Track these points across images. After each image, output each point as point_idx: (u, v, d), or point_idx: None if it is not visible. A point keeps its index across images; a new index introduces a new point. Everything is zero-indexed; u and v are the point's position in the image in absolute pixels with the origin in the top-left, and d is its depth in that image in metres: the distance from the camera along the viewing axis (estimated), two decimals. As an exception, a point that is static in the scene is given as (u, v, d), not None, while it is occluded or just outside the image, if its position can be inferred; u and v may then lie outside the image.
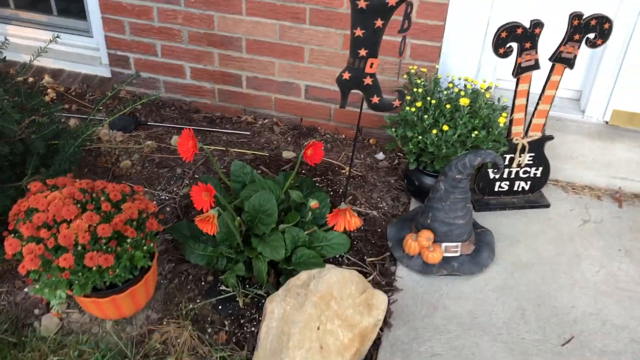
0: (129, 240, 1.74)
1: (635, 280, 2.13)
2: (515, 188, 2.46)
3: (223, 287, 2.01)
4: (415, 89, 2.32)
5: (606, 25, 2.14)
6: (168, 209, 2.36)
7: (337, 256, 2.15)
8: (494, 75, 2.63)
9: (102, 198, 1.79)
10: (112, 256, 1.68)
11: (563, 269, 2.17)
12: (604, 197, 2.52)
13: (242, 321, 1.94)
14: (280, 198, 2.10)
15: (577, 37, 2.15)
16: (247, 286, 2.03)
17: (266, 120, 2.93)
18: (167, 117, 2.92)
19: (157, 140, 2.75)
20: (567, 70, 2.23)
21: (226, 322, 1.94)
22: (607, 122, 2.60)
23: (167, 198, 2.41)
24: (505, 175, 2.43)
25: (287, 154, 2.68)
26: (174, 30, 2.81)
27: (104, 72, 3.14)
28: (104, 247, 1.70)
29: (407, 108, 2.25)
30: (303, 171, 2.56)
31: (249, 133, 2.83)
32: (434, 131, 2.18)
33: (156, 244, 1.91)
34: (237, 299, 1.98)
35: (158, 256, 2.08)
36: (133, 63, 2.99)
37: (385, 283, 2.08)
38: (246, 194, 2.08)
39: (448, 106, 2.22)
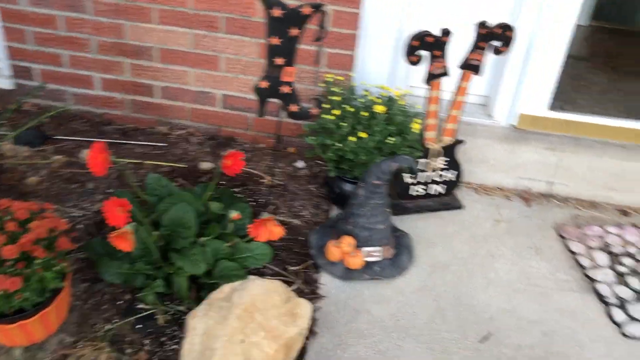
0: (38, 261, 1.64)
1: (545, 276, 2.25)
2: (431, 192, 2.54)
3: (142, 305, 1.94)
4: (332, 97, 2.34)
5: (509, 34, 2.25)
6: (80, 226, 2.25)
7: (261, 267, 2.13)
8: (408, 82, 2.70)
9: (7, 217, 1.68)
10: (20, 279, 1.58)
11: (478, 269, 2.25)
12: (514, 198, 2.64)
13: (162, 339, 1.87)
14: (199, 210, 2.05)
15: (483, 45, 2.25)
16: (168, 303, 1.96)
17: (182, 131, 2.86)
18: (76, 130, 2.79)
19: (67, 154, 2.62)
20: (475, 76, 2.33)
21: (146, 341, 1.87)
22: (514, 126, 2.74)
23: (79, 215, 2.30)
24: (421, 180, 2.50)
25: (205, 165, 2.63)
26: (82, 39, 2.70)
27: (7, 84, 2.96)
28: (11, 269, 1.59)
29: (325, 116, 2.27)
30: (223, 182, 2.52)
31: (164, 144, 2.76)
32: (352, 138, 2.21)
33: (68, 264, 1.81)
34: (156, 316, 1.92)
35: (71, 276, 1.98)
36: (38, 74, 2.84)
37: (309, 291, 2.08)
38: (163, 207, 2.02)
39: (365, 114, 2.25)
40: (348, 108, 2.27)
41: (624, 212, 2.68)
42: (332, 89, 2.38)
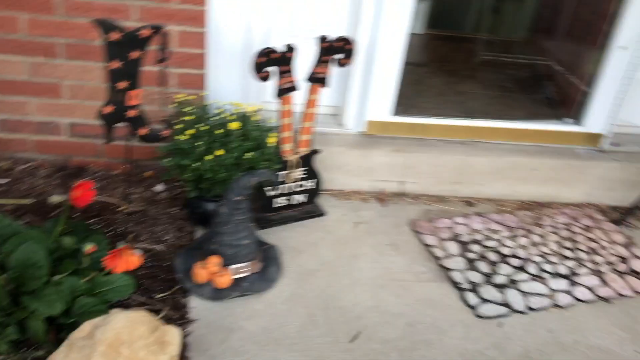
0: None
1: (404, 270, 2.39)
2: (294, 202, 2.60)
3: (-6, 357, 1.79)
4: (185, 117, 2.32)
5: (349, 46, 2.38)
6: None
7: (125, 298, 2.04)
8: (261, 97, 2.75)
9: None
10: None
11: (343, 271, 2.34)
12: (370, 199, 2.78)
13: (21, 390, 1.74)
14: (50, 247, 1.93)
15: (326, 58, 2.36)
16: (25, 349, 1.82)
17: (27, 165, 2.68)
18: None
19: None
20: (323, 88, 2.43)
21: (2, 396, 1.72)
22: (363, 132, 2.88)
23: None
24: (282, 191, 2.55)
25: (56, 199, 2.48)
26: None
27: None
28: None
29: (179, 137, 2.25)
30: (76, 214, 2.40)
31: (7, 181, 2.56)
32: (209, 157, 2.21)
33: None
34: (12, 366, 1.77)
35: None
36: None
37: (179, 316, 2.03)
38: (9, 248, 1.88)
39: (220, 131, 2.26)
40: (202, 127, 2.26)
41: (468, 202, 2.92)
42: (184, 109, 2.36)
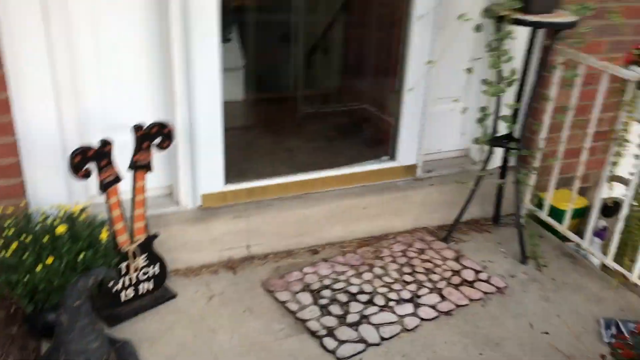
0: None
1: (263, 332, 2.45)
2: (141, 292, 2.56)
3: None
4: (6, 232, 2.22)
5: (167, 129, 2.45)
6: None
7: None
8: (88, 193, 2.71)
9: None
10: None
11: (203, 349, 2.35)
12: (220, 270, 2.83)
13: None
14: None
15: (145, 144, 2.40)
16: None
17: None
18: None
19: None
20: (149, 173, 2.46)
21: None
22: (200, 207, 2.94)
23: None
24: (127, 284, 2.51)
25: None
26: None
27: None
28: None
29: (2, 253, 2.14)
30: None
31: None
32: (39, 267, 2.13)
33: None
34: None
35: None
36: None
37: None
38: None
39: (46, 239, 2.19)
40: (26, 238, 2.18)
41: (314, 251, 3.08)
42: (5, 222, 2.26)
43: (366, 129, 4.07)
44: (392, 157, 3.31)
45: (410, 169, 3.32)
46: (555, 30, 2.66)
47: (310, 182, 3.16)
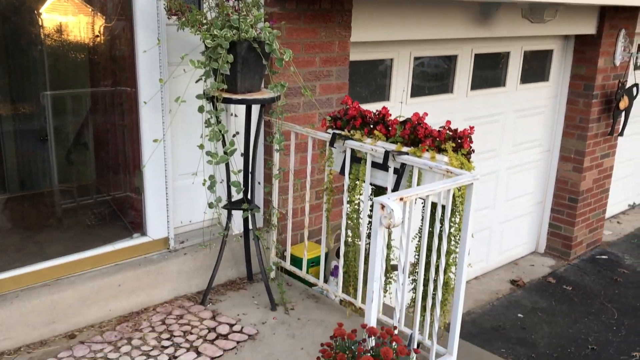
0: None
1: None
2: None
3: None
4: None
5: None
6: None
7: None
8: None
9: None
10: None
11: None
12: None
13: None
14: None
15: None
16: None
17: None
18: None
19: None
20: None
21: None
22: None
23: None
24: None
25: None
26: None
27: None
28: None
29: None
30: None
31: None
32: None
33: None
34: None
35: None
36: None
37: None
38: None
39: None
40: None
41: (71, 336, 3.06)
42: None
43: (121, 211, 4.20)
44: (144, 232, 3.48)
45: (164, 241, 3.53)
46: (261, 105, 3.16)
47: (61, 267, 3.19)
